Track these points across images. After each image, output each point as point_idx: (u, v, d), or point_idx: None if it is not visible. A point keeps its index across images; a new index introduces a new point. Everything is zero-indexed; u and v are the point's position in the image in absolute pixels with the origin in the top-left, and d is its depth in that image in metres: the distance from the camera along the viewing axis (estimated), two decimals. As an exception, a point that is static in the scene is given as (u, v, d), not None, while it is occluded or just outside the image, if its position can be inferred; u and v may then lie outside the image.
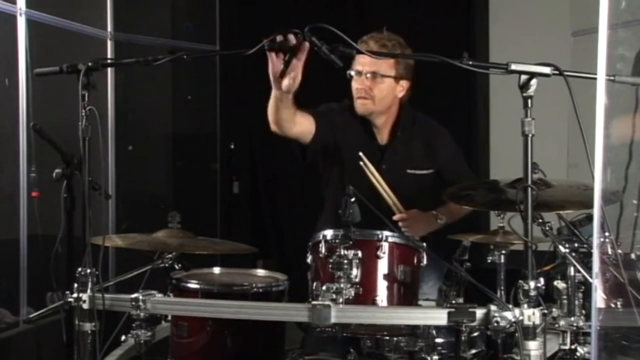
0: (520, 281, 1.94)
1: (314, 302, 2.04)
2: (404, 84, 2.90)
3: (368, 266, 2.22)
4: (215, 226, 4.99)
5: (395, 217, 2.75)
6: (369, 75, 2.84)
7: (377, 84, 2.85)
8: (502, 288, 2.69)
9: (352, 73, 2.86)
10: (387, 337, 2.42)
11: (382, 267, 2.25)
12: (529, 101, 1.96)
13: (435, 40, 4.61)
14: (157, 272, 2.56)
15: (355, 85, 2.87)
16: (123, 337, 2.37)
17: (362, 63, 2.83)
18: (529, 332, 1.92)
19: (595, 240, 1.76)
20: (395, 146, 2.93)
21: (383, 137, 2.95)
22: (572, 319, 2.20)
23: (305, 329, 2.67)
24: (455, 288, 2.34)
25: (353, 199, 2.18)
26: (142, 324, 2.29)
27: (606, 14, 1.49)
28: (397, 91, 2.90)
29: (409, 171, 2.92)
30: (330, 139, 2.91)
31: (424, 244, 2.31)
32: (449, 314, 1.98)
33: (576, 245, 2.25)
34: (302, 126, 2.80)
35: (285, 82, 2.39)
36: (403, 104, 2.95)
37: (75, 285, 2.17)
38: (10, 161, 3.74)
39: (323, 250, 2.26)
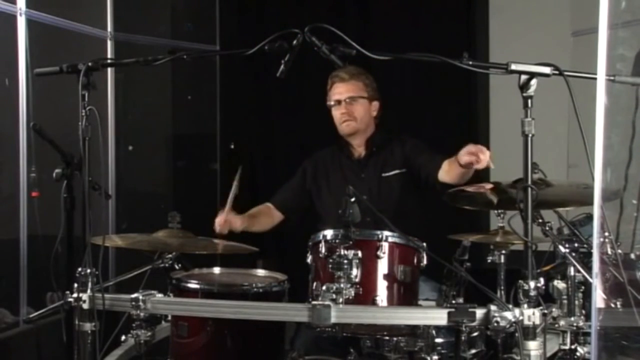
0: (520, 281, 1.94)
1: (314, 302, 2.04)
2: (376, 104, 3.29)
3: (368, 266, 2.22)
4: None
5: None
6: (347, 100, 3.22)
7: (355, 105, 3.22)
8: (502, 288, 2.69)
9: (332, 103, 3.24)
10: (387, 337, 2.42)
11: (382, 267, 2.25)
12: (529, 101, 1.96)
13: (435, 40, 4.61)
14: (157, 272, 2.56)
15: (337, 112, 3.24)
16: (123, 337, 2.37)
17: (339, 92, 3.23)
18: (529, 332, 1.93)
19: (595, 240, 1.76)
20: (370, 158, 3.26)
21: (360, 152, 3.30)
22: (572, 319, 2.20)
23: (297, 330, 2.73)
24: (455, 288, 2.34)
25: (353, 199, 2.18)
26: (142, 324, 2.29)
27: (606, 14, 1.49)
28: (372, 111, 3.28)
29: (383, 175, 3.20)
30: (313, 182, 3.33)
31: (424, 244, 2.32)
32: (449, 314, 1.98)
33: (576, 245, 2.25)
34: (275, 219, 3.35)
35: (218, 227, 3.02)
36: (378, 125, 3.32)
37: (75, 285, 2.18)
38: (10, 161, 3.74)
39: (323, 250, 2.26)
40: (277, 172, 5.08)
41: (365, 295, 2.19)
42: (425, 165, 3.07)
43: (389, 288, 2.24)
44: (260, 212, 3.33)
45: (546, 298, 2.05)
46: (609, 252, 1.87)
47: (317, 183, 3.32)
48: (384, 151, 3.25)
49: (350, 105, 3.21)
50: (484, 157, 2.54)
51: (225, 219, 3.01)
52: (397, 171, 3.19)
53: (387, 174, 3.19)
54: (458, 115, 4.84)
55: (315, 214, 3.30)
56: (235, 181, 2.95)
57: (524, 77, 1.96)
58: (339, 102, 3.22)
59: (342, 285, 2.12)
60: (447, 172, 2.87)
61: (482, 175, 4.61)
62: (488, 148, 2.60)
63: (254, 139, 5.20)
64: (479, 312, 1.97)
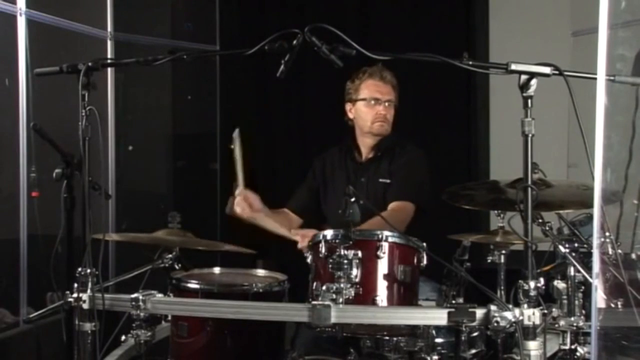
0: (520, 281, 1.94)
1: (314, 302, 2.04)
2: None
3: (368, 266, 2.21)
4: (215, 226, 4.98)
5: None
6: (387, 103, 3.19)
7: (389, 110, 3.21)
8: (502, 288, 2.69)
9: (365, 98, 3.18)
10: (387, 337, 2.42)
11: (382, 267, 2.24)
12: (529, 101, 1.96)
13: (435, 40, 4.61)
14: (157, 272, 2.56)
15: (373, 111, 3.19)
16: (123, 337, 2.37)
17: (380, 92, 3.18)
18: (529, 332, 1.92)
19: (595, 240, 1.76)
20: (373, 163, 3.24)
21: (367, 155, 3.27)
22: (572, 319, 2.20)
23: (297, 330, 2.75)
24: (455, 288, 2.34)
25: (353, 199, 2.18)
26: (142, 324, 2.29)
27: (606, 14, 1.49)
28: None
29: (380, 180, 3.19)
30: (321, 180, 3.33)
31: (424, 244, 2.32)
32: (449, 314, 1.98)
33: (576, 245, 2.25)
34: (293, 223, 3.25)
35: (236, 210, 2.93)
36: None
37: (75, 285, 2.17)
38: (10, 161, 3.74)
39: (323, 250, 2.26)
40: (277, 172, 5.09)
41: (365, 295, 2.19)
42: (391, 191, 3.11)
43: (389, 288, 2.24)
44: (279, 212, 3.27)
45: (546, 298, 2.05)
46: (609, 252, 1.87)
47: (324, 182, 3.31)
48: (386, 157, 3.23)
49: (387, 109, 3.18)
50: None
51: (242, 198, 2.89)
52: (388, 180, 3.18)
53: (383, 180, 3.18)
54: (458, 116, 4.85)
55: (321, 215, 3.28)
56: (235, 147, 2.80)
57: (523, 77, 1.96)
58: (377, 100, 3.17)
59: (342, 285, 2.12)
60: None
61: (481, 175, 4.64)
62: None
63: (254, 139, 5.20)
64: (479, 312, 1.97)
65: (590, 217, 2.44)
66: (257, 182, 5.14)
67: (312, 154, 3.49)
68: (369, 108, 3.19)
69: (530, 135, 1.95)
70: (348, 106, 3.27)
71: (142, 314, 2.22)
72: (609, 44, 1.50)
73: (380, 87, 3.18)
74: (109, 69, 4.31)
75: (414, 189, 3.11)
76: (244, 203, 2.92)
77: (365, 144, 3.27)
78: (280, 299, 2.49)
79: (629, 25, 1.62)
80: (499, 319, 1.93)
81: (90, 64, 2.19)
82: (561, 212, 2.46)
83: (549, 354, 2.21)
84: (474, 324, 1.99)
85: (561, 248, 2.22)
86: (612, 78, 1.65)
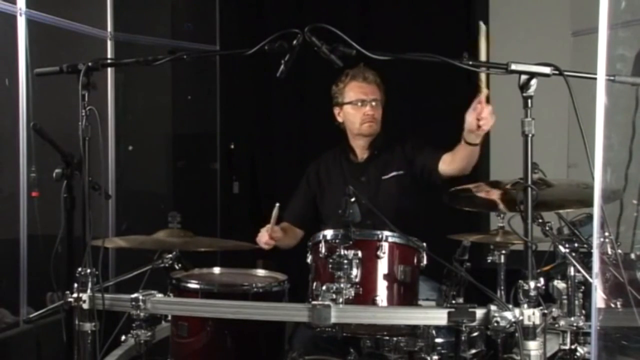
0: (520, 281, 1.94)
1: (314, 302, 2.04)
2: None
3: (368, 266, 2.22)
4: (215, 226, 4.98)
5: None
6: (373, 103, 3.17)
7: (377, 109, 3.19)
8: (502, 288, 2.69)
9: (351, 101, 3.17)
10: (387, 337, 2.42)
11: (382, 267, 2.25)
12: (529, 101, 1.96)
13: (435, 40, 4.61)
14: (157, 272, 2.56)
15: (358, 112, 3.18)
16: (123, 337, 2.38)
17: (364, 92, 3.17)
18: (529, 332, 1.93)
19: (595, 240, 1.76)
20: (371, 162, 3.24)
21: (363, 155, 3.26)
22: (572, 319, 2.20)
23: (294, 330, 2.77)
24: (455, 288, 2.34)
25: (353, 199, 2.18)
26: (142, 324, 2.30)
27: (606, 14, 1.49)
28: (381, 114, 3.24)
29: (383, 177, 3.17)
30: (317, 185, 3.32)
31: (424, 244, 2.32)
32: (449, 314, 1.98)
33: (576, 245, 2.25)
34: (298, 235, 3.29)
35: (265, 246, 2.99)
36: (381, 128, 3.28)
37: (75, 285, 2.18)
38: (10, 161, 3.74)
39: (323, 250, 2.26)
40: (277, 172, 5.09)
41: (365, 295, 2.19)
42: (425, 161, 3.06)
43: (389, 288, 2.25)
44: (286, 228, 3.26)
45: (546, 298, 2.05)
46: (609, 252, 1.87)
47: (321, 186, 3.30)
48: (384, 154, 3.22)
49: (374, 108, 3.17)
50: (486, 113, 2.63)
51: (270, 236, 2.97)
52: (395, 173, 3.16)
53: (386, 177, 3.17)
54: (458, 116, 4.83)
55: (318, 216, 3.28)
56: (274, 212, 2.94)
57: (524, 77, 1.97)
58: (362, 102, 3.16)
59: (342, 285, 2.13)
60: (450, 162, 2.89)
61: (481, 175, 4.64)
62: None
63: (254, 139, 5.20)
64: (479, 312, 1.97)
65: (590, 217, 2.44)
66: (258, 181, 5.18)
67: (312, 154, 3.49)
68: (356, 110, 3.18)
69: (530, 135, 1.95)
70: (336, 110, 3.26)
71: (142, 314, 2.22)
72: (609, 44, 1.50)
73: (364, 87, 3.17)
74: (109, 69, 4.30)
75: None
76: (270, 242, 3.00)
77: (359, 145, 3.27)
78: (280, 299, 2.49)
79: (629, 25, 1.62)
80: (499, 319, 1.93)
81: (90, 64, 2.19)
82: (561, 212, 2.46)
83: (549, 354, 2.22)
84: (474, 324, 1.99)
85: (561, 248, 2.22)
86: (612, 78, 1.65)
